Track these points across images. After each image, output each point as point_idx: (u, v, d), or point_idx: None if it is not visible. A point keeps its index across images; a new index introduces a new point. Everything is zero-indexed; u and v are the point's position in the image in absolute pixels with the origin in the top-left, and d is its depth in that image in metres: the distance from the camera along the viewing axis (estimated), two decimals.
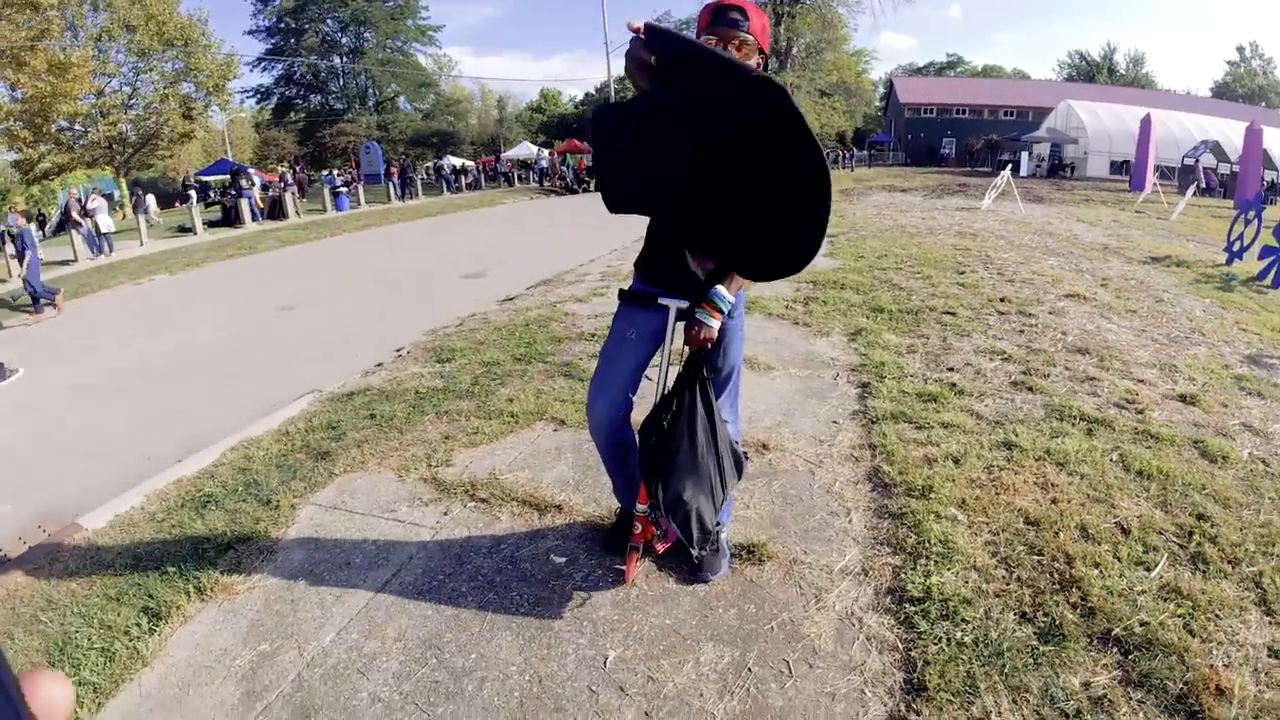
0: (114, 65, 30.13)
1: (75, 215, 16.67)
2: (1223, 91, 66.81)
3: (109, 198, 29.40)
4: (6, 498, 3.60)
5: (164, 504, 3.01)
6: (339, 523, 2.72)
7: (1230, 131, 27.37)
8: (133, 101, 31.30)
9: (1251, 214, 8.73)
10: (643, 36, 1.62)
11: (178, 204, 21.65)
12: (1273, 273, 7.74)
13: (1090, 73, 67.21)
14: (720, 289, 1.92)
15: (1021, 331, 5.06)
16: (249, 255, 14.80)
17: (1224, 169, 25.67)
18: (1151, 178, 20.44)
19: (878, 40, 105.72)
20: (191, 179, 30.65)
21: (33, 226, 16.84)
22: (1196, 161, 24.85)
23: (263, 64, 49.42)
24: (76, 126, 29.79)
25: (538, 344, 4.98)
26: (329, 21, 50.79)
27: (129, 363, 6.25)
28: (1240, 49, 69.84)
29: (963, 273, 7.35)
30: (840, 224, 12.14)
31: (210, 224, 20.42)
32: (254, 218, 20.76)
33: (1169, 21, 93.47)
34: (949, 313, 5.58)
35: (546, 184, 32.54)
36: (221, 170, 29.85)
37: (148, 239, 18.04)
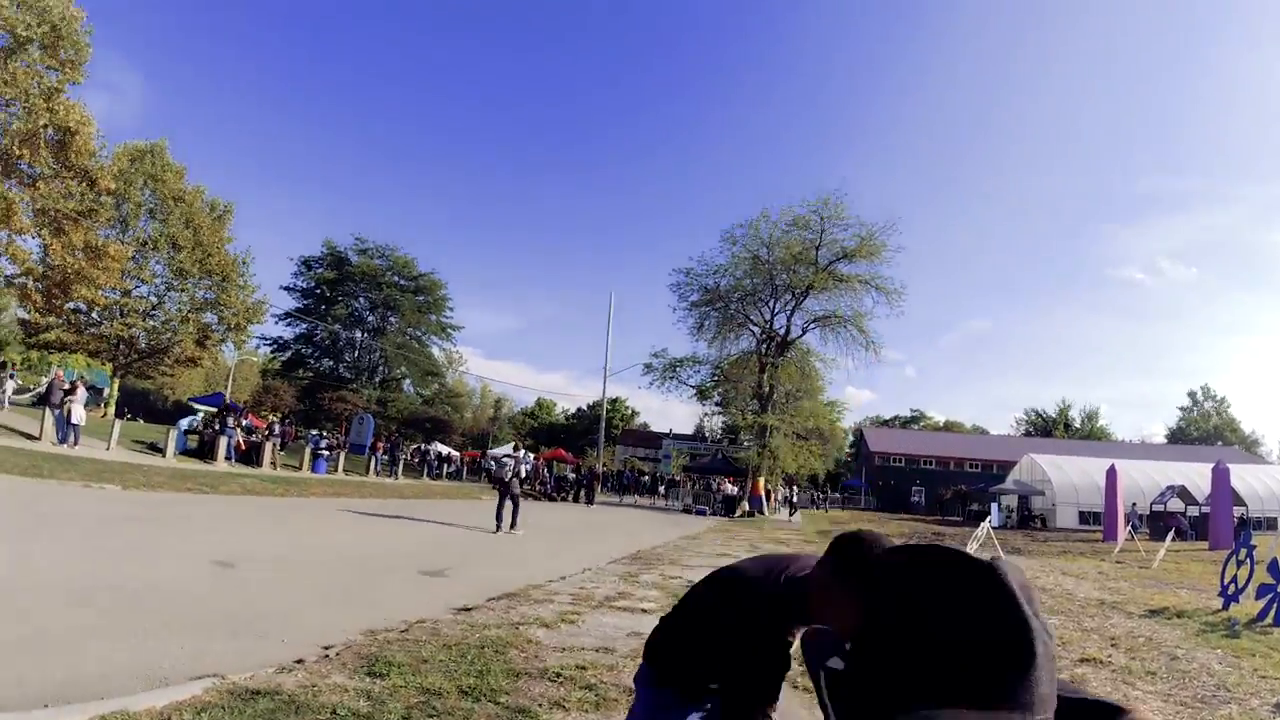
0: (149, 273, 30.79)
1: (56, 398, 16.65)
2: (1178, 436, 69.31)
3: (98, 392, 28.85)
4: None
5: None
6: None
7: (1193, 474, 27.91)
8: (154, 312, 31.60)
9: (1243, 554, 8.65)
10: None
11: (173, 426, 21.24)
12: (1273, 610, 7.53)
13: (1047, 428, 71.52)
14: None
15: None
16: (208, 494, 14.11)
17: (1192, 511, 25.98)
18: (1124, 527, 20.65)
19: (843, 393, 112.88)
20: (194, 405, 30.72)
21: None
22: (1165, 507, 25.26)
23: (288, 319, 53.25)
24: (93, 314, 29.60)
25: (491, 675, 4.19)
26: (361, 299, 56.08)
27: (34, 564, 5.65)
28: (1192, 394, 73.93)
29: None
30: None
31: (184, 451, 19.98)
32: (228, 457, 20.35)
33: (1117, 376, 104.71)
34: None
35: (525, 487, 32.72)
36: (215, 403, 30.04)
37: (115, 445, 17.64)
